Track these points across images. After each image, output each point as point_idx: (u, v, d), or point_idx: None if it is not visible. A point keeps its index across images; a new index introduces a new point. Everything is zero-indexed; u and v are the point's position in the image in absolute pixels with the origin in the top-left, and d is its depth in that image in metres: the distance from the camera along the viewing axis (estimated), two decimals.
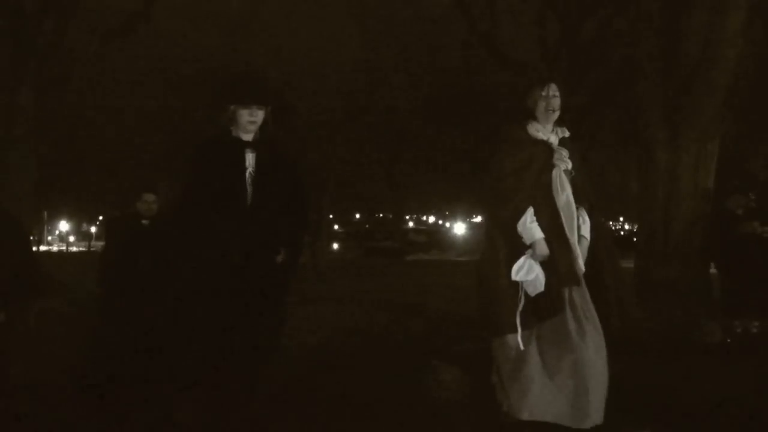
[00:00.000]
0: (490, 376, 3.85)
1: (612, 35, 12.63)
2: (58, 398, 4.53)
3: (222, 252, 3.56)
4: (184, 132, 17.32)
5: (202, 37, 17.40)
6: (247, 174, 3.70)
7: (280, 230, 3.71)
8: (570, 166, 3.81)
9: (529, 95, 3.90)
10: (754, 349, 6.04)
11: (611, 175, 19.57)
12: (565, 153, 3.83)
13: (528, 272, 3.63)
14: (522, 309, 3.63)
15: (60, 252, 37.25)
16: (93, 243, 41.84)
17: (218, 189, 3.64)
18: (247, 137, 3.75)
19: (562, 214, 3.73)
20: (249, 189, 3.68)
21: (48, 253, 32.43)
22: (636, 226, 14.21)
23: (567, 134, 3.92)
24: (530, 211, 3.69)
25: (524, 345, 3.61)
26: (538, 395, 3.53)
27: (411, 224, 55.03)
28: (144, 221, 5.90)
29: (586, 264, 3.74)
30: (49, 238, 49.47)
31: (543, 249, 3.64)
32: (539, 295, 3.61)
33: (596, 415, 3.48)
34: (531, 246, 3.66)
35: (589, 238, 3.78)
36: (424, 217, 62.20)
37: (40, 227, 40.52)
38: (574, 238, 3.72)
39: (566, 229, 3.71)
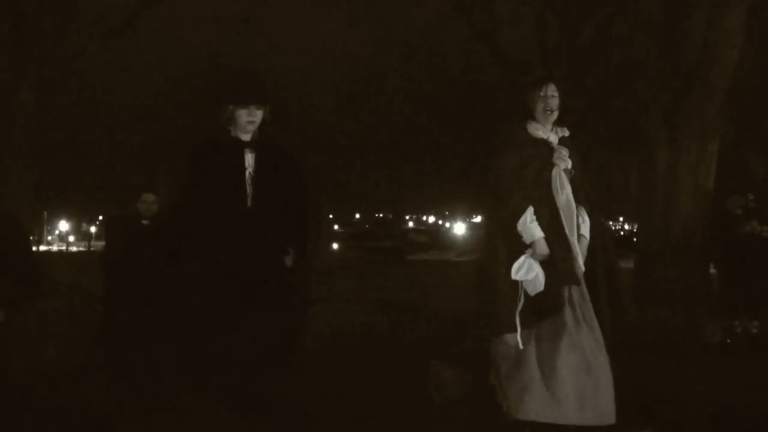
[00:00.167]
0: (489, 375, 3.85)
1: (612, 36, 12.63)
2: (57, 398, 4.54)
3: (225, 253, 3.55)
4: (184, 132, 17.31)
5: (201, 37, 17.40)
6: (247, 174, 3.70)
7: (284, 230, 3.70)
8: (570, 165, 3.81)
9: (528, 95, 3.90)
10: (754, 349, 6.04)
11: (611, 175, 19.55)
12: (564, 152, 3.83)
13: (528, 271, 3.63)
14: (521, 308, 3.63)
15: (60, 252, 37.23)
16: (93, 243, 41.79)
17: (218, 190, 3.63)
18: (246, 137, 3.74)
19: (561, 213, 3.73)
20: (249, 189, 3.68)
21: (48, 253, 32.41)
22: (636, 226, 14.20)
23: (567, 133, 3.92)
24: (530, 210, 3.69)
25: (524, 344, 3.61)
26: (539, 396, 3.52)
27: (411, 224, 55.04)
28: (144, 221, 5.90)
29: (585, 264, 3.74)
30: (49, 238, 49.44)
31: (543, 248, 3.64)
32: (539, 295, 3.61)
33: (607, 414, 3.47)
34: (531, 245, 3.66)
35: (588, 238, 3.78)
36: (424, 217, 62.20)
37: (40, 227, 40.48)
38: (573, 238, 3.72)
39: (566, 228, 3.71)
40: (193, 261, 3.60)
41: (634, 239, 10.37)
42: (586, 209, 3.82)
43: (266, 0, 16.95)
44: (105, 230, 6.75)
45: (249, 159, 3.72)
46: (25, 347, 5.81)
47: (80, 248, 42.09)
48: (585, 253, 3.76)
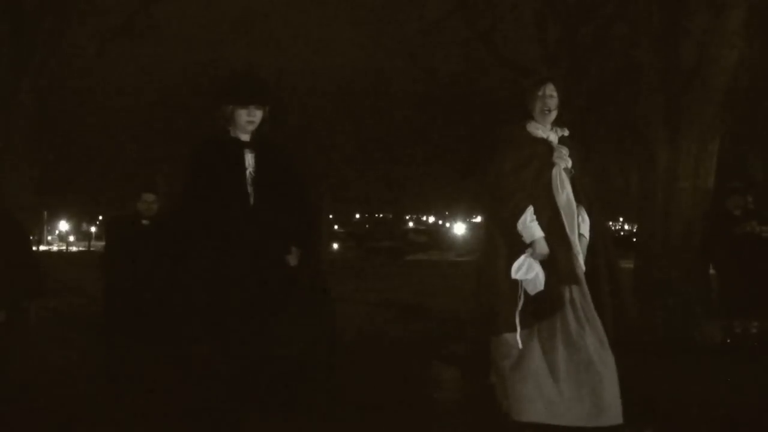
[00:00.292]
0: (489, 376, 3.85)
1: (612, 36, 12.63)
2: (57, 398, 4.54)
3: (229, 253, 3.54)
4: (183, 132, 17.31)
5: (202, 37, 17.40)
6: (248, 174, 3.70)
7: (287, 229, 3.70)
8: (570, 164, 3.82)
9: (527, 95, 3.91)
10: (754, 350, 6.05)
11: (611, 175, 19.56)
12: (564, 151, 3.83)
13: (528, 271, 3.63)
14: (521, 308, 3.63)
15: (60, 252, 37.24)
16: (93, 243, 41.80)
17: (220, 190, 3.63)
18: (246, 137, 3.74)
19: (562, 212, 3.73)
20: (250, 189, 3.68)
21: (48, 253, 32.42)
22: (636, 226, 14.20)
23: (567, 133, 3.93)
24: (530, 209, 3.70)
25: (524, 344, 3.61)
26: (540, 397, 3.52)
27: (411, 224, 55.02)
28: (144, 221, 5.90)
29: (585, 263, 3.74)
30: (49, 238, 49.44)
31: (543, 248, 3.64)
32: (539, 294, 3.61)
33: (613, 414, 3.46)
34: (531, 245, 3.66)
35: (588, 237, 3.78)
36: (424, 217, 62.20)
37: (40, 227, 40.47)
38: (574, 237, 3.72)
39: (567, 227, 3.72)
40: (196, 261, 3.59)
41: (634, 239, 10.36)
42: (585, 209, 3.82)
43: (266, 1, 16.96)
44: (105, 230, 6.75)
45: (249, 159, 3.72)
46: (25, 347, 5.82)
47: (80, 248, 42.09)
48: (585, 252, 3.76)
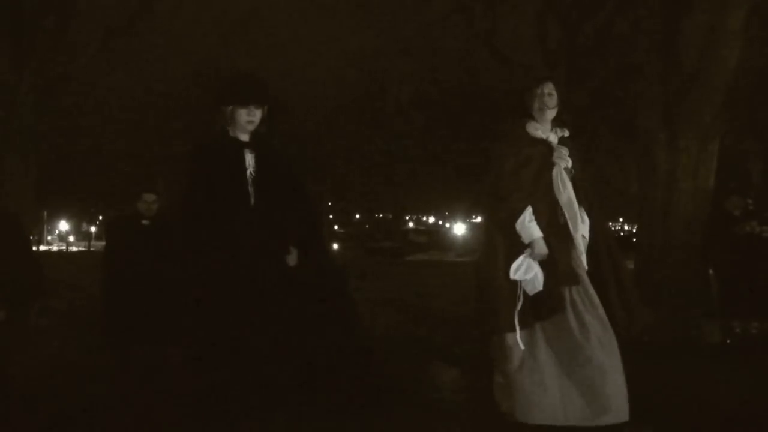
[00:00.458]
0: (489, 376, 3.85)
1: (612, 36, 12.64)
2: (57, 398, 4.54)
3: (232, 253, 3.54)
4: (183, 132, 17.32)
5: (202, 37, 17.40)
6: (248, 174, 3.70)
7: (288, 230, 3.70)
8: (570, 164, 3.81)
9: (526, 94, 3.91)
10: (754, 350, 6.04)
11: (611, 176, 19.57)
12: (564, 151, 3.83)
13: (526, 271, 3.63)
14: (520, 308, 3.63)
15: (60, 252, 37.23)
16: (93, 243, 41.81)
17: (220, 190, 3.63)
18: (245, 137, 3.74)
19: (565, 212, 3.73)
20: (251, 189, 3.68)
21: (48, 253, 32.41)
22: (636, 227, 14.21)
23: (567, 133, 3.93)
24: (529, 210, 3.69)
25: (527, 345, 3.60)
26: (540, 397, 3.52)
27: (411, 224, 55.02)
28: (144, 221, 5.91)
29: (588, 264, 3.73)
30: (49, 238, 49.44)
31: (541, 248, 3.64)
32: (538, 294, 3.61)
33: (619, 411, 3.45)
34: (529, 245, 3.66)
35: (588, 238, 3.78)
36: (424, 218, 62.20)
37: (40, 227, 40.48)
38: (578, 236, 3.72)
39: (570, 226, 3.72)
40: (197, 261, 3.59)
41: (634, 239, 10.37)
42: (585, 209, 3.81)
43: (267, 1, 16.96)
44: (105, 230, 6.75)
45: (249, 159, 3.72)
46: (25, 347, 5.81)
47: (80, 248, 42.09)
48: (585, 252, 3.76)
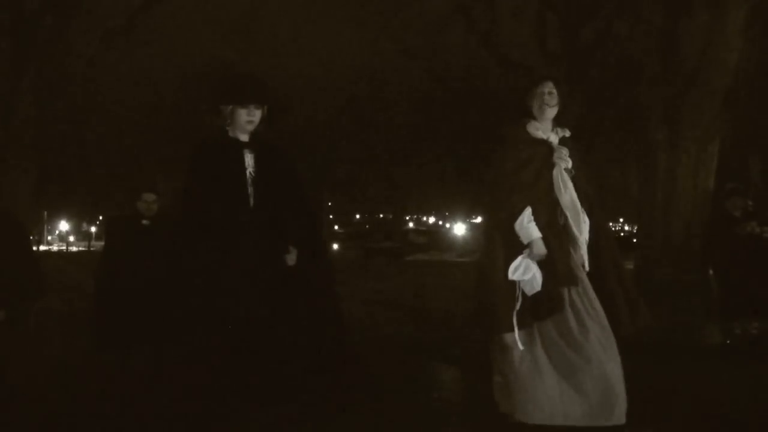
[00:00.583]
0: (489, 376, 3.85)
1: (612, 37, 12.63)
2: (57, 397, 4.54)
3: (232, 253, 3.54)
4: (183, 132, 17.30)
5: (202, 38, 17.40)
6: (248, 174, 3.70)
7: (288, 229, 3.70)
8: (570, 164, 3.81)
9: (526, 94, 3.90)
10: (754, 351, 6.04)
11: (611, 176, 19.58)
12: (565, 152, 3.83)
13: (525, 271, 3.63)
14: (519, 308, 3.63)
15: (60, 252, 37.23)
16: (93, 243, 41.81)
17: (220, 191, 3.63)
18: (245, 137, 3.74)
19: (567, 212, 3.73)
20: (251, 189, 3.68)
21: (48, 253, 32.42)
22: (636, 227, 14.21)
23: (567, 134, 3.92)
24: (528, 210, 3.69)
25: (523, 345, 3.60)
26: (540, 397, 3.52)
27: (411, 225, 55.00)
28: (144, 221, 5.90)
29: (589, 264, 3.73)
30: (49, 238, 49.46)
31: (540, 248, 3.64)
32: (536, 295, 3.61)
33: (619, 412, 3.46)
34: (528, 245, 3.66)
35: (588, 238, 3.78)
36: (424, 218, 62.19)
37: (40, 227, 40.51)
38: (582, 236, 3.72)
39: (573, 227, 3.72)
40: (197, 261, 3.58)
41: (634, 240, 10.37)
42: (585, 210, 3.81)
43: (267, 1, 16.96)
44: (105, 230, 6.74)
45: (249, 159, 3.72)
46: (25, 347, 5.81)
47: (80, 248, 42.09)
48: (585, 253, 3.76)
